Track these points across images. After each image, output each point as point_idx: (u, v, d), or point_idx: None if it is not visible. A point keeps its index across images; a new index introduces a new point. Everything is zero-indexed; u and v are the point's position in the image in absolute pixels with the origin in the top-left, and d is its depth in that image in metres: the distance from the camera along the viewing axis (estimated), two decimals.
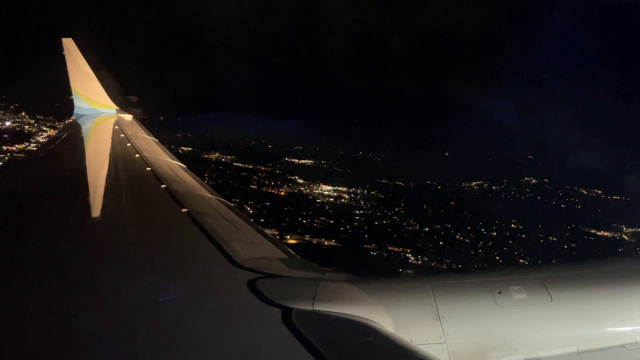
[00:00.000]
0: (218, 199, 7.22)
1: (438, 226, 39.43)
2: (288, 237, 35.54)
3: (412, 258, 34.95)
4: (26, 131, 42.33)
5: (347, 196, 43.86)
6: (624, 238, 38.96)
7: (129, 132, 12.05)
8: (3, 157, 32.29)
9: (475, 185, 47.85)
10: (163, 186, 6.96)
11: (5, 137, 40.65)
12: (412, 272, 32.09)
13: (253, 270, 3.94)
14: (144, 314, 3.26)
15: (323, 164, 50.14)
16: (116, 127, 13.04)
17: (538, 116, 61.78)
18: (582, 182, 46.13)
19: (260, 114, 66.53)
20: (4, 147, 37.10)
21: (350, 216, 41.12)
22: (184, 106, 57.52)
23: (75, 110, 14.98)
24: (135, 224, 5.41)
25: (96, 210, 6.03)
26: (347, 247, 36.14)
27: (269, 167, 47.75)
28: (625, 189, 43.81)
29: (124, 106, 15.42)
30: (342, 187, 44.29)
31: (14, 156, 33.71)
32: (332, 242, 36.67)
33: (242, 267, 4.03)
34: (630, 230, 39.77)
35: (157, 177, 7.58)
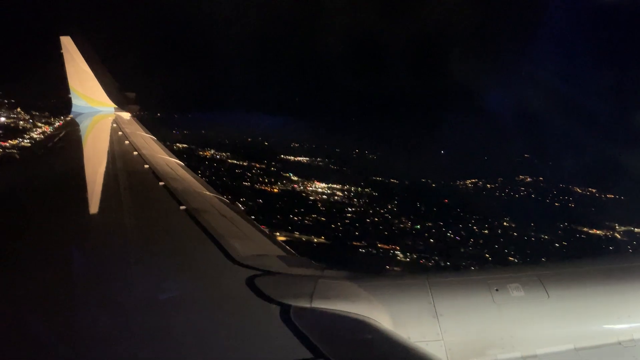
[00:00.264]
0: (216, 197, 7.24)
1: (430, 224, 39.34)
2: (277, 234, 35.32)
3: (401, 255, 34.82)
4: (20, 127, 42.05)
5: (340, 194, 43.80)
6: (616, 236, 39.13)
7: (127, 130, 12.04)
8: None
9: (469, 183, 48.00)
10: (161, 184, 6.99)
11: None
12: (401, 269, 32.14)
13: (251, 268, 3.97)
14: (142, 310, 3.30)
15: (319, 161, 50.11)
16: (114, 125, 13.02)
17: (534, 115, 61.97)
18: (577, 181, 46.50)
19: (256, 111, 66.50)
20: None
21: (342, 213, 41.00)
22: (180, 104, 57.42)
23: (73, 109, 14.95)
24: (133, 221, 5.44)
25: (94, 208, 6.06)
26: (335, 244, 35.90)
27: (264, 164, 47.65)
28: (619, 188, 44.16)
29: (122, 104, 15.36)
30: (336, 184, 44.23)
31: (6, 152, 33.47)
32: (322, 240, 36.49)
33: (240, 264, 4.06)
34: (623, 228, 39.94)
35: (155, 174, 7.60)
